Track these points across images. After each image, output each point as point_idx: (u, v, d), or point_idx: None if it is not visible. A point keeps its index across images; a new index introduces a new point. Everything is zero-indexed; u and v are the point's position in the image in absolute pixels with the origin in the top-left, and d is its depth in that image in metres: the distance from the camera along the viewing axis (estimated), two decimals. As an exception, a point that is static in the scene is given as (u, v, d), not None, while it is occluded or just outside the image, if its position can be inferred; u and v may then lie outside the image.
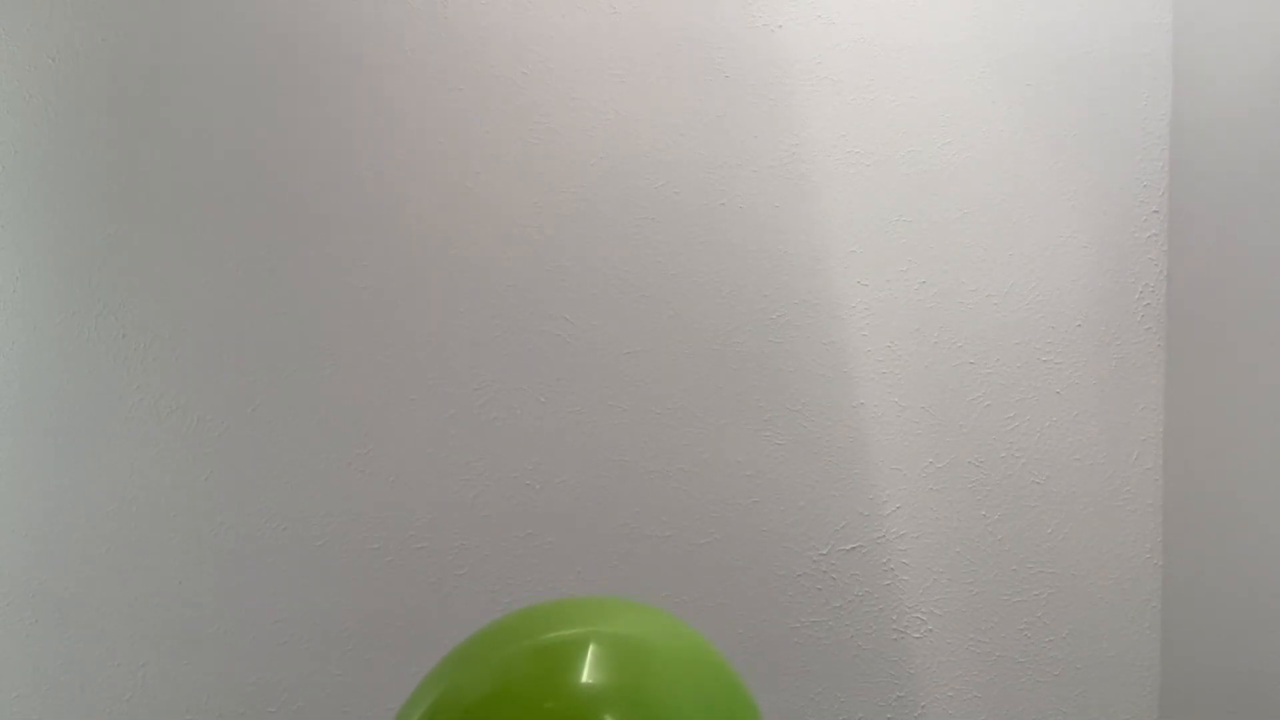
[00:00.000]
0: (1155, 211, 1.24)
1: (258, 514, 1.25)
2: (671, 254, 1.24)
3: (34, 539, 1.26)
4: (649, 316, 1.24)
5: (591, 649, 0.85)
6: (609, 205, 1.24)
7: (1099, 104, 1.23)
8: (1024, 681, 1.24)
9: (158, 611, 1.25)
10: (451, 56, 1.24)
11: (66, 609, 1.26)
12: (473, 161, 1.24)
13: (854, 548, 1.24)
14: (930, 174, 1.24)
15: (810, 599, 1.23)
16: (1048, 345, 1.24)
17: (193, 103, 1.25)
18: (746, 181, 1.24)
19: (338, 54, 1.24)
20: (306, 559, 1.24)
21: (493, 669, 0.86)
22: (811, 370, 1.24)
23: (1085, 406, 1.24)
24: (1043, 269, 1.24)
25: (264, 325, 1.25)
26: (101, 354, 1.25)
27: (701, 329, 1.24)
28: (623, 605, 0.99)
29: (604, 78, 1.24)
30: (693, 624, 0.91)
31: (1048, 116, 1.24)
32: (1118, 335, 1.24)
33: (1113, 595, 1.24)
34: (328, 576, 1.24)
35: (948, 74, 1.24)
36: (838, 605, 1.23)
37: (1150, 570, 1.25)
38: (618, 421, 1.24)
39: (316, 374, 1.25)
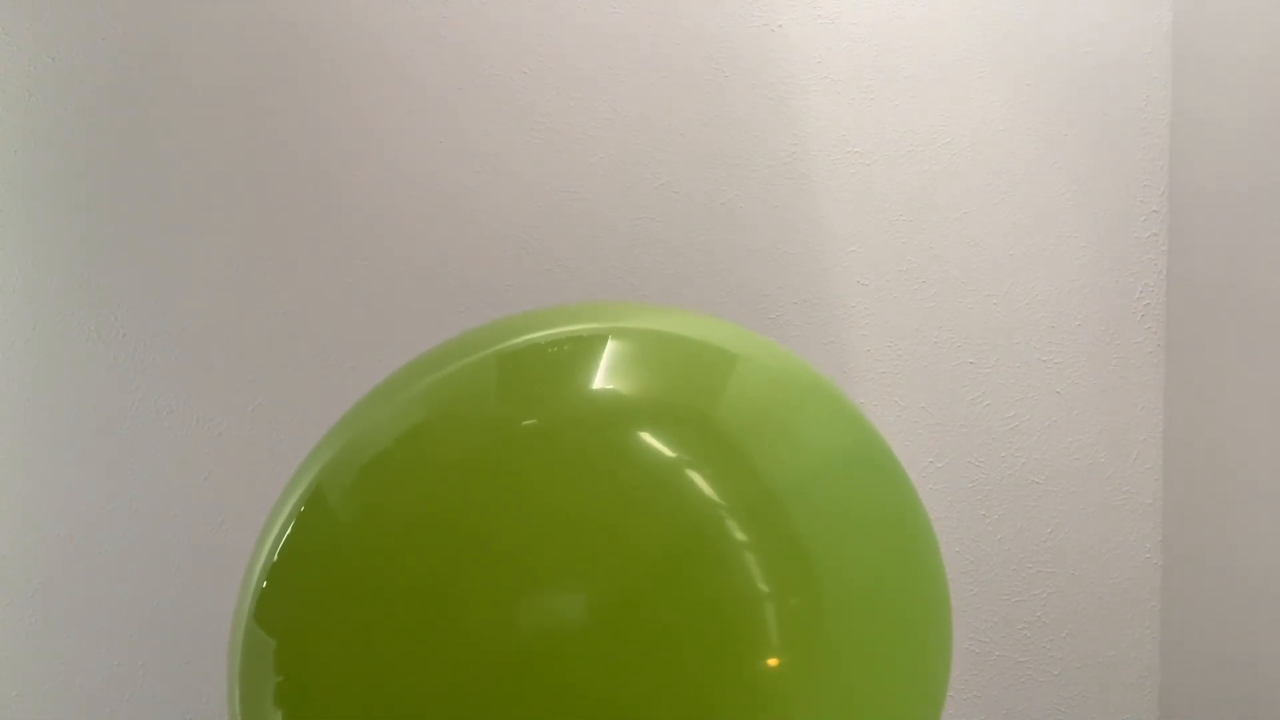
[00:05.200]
0: (1155, 211, 1.24)
1: (257, 514, 1.24)
2: (671, 254, 1.24)
3: (34, 539, 1.26)
4: (649, 316, 1.24)
5: (611, 349, 0.52)
6: (609, 205, 1.24)
7: (1099, 104, 1.23)
8: (1024, 681, 1.24)
9: (158, 611, 1.25)
10: (451, 56, 1.24)
11: (66, 609, 1.26)
12: (473, 161, 1.24)
13: (854, 548, 1.24)
14: (930, 174, 1.24)
15: (810, 599, 1.23)
16: (1048, 345, 1.24)
17: (193, 102, 1.25)
18: (746, 181, 1.24)
19: (338, 54, 1.24)
20: (306, 559, 1.24)
21: (431, 390, 0.53)
22: (811, 370, 1.24)
23: (1085, 406, 1.24)
24: (1043, 269, 1.24)
25: (264, 325, 1.25)
26: (101, 354, 1.25)
27: (701, 329, 1.24)
28: (677, 311, 0.65)
29: (604, 78, 1.24)
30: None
31: (1048, 116, 1.23)
32: (1118, 335, 1.24)
33: (1113, 595, 1.24)
34: (328, 576, 1.24)
35: (948, 74, 1.23)
36: (838, 605, 1.23)
37: (1150, 570, 1.25)
38: (618, 421, 1.24)
39: (316, 373, 1.25)
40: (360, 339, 1.24)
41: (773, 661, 0.47)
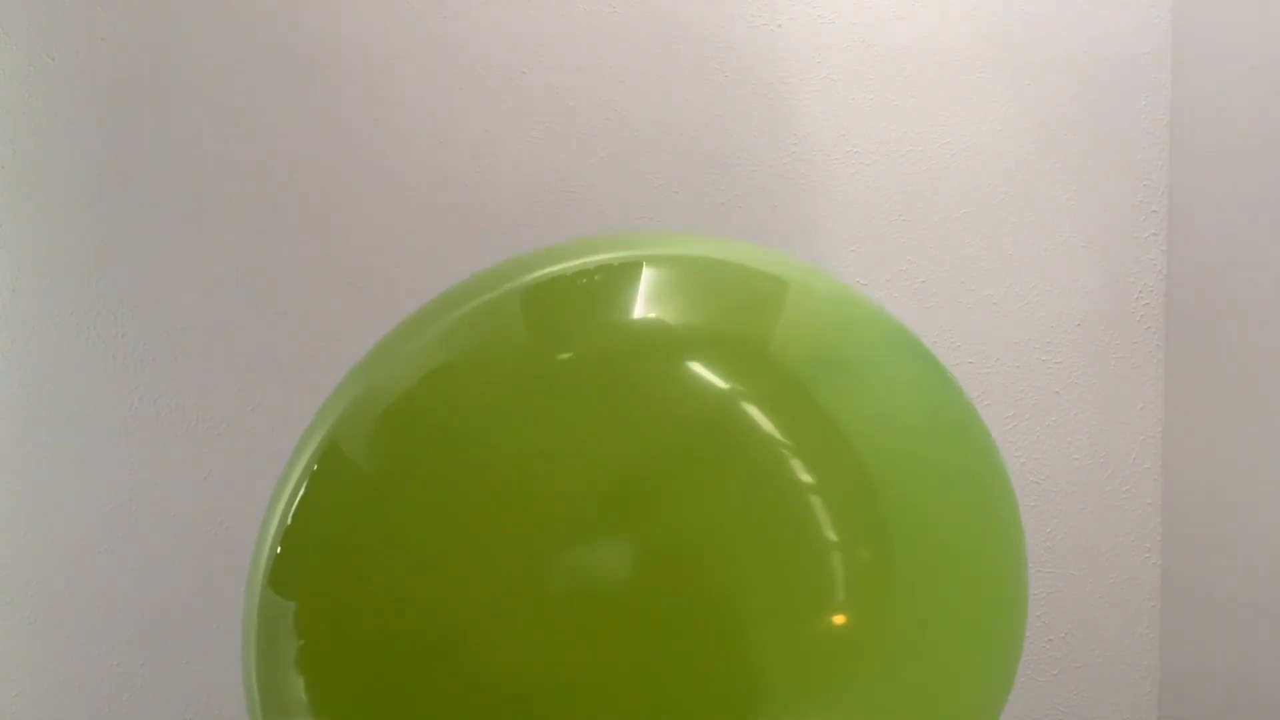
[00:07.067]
0: (1155, 211, 1.24)
1: (258, 514, 1.24)
2: (671, 254, 1.24)
3: (33, 539, 1.26)
4: (649, 316, 1.24)
5: (648, 276, 0.48)
6: (609, 205, 1.24)
7: (1099, 103, 1.23)
8: (1024, 681, 1.24)
9: (158, 611, 1.25)
10: (450, 56, 1.24)
11: (66, 609, 1.26)
12: (472, 161, 1.24)
13: (854, 547, 1.24)
14: (930, 174, 1.24)
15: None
16: (1047, 345, 1.24)
17: (192, 102, 1.25)
18: (746, 181, 1.24)
19: (337, 54, 1.24)
20: (306, 559, 1.24)
21: (452, 329, 0.51)
22: (811, 370, 1.24)
23: (1085, 406, 1.24)
24: (1042, 269, 1.24)
25: (263, 324, 1.25)
26: (101, 354, 1.25)
27: (701, 329, 1.24)
28: (717, 238, 0.61)
29: (604, 78, 1.24)
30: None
31: (1047, 116, 1.23)
32: (1117, 335, 1.24)
33: (1112, 595, 1.24)
34: (328, 576, 1.24)
35: (948, 74, 1.23)
36: (837, 605, 1.23)
37: (1149, 570, 1.25)
38: (618, 421, 1.24)
39: (316, 373, 1.24)
40: (360, 339, 1.24)
41: (839, 619, 0.43)
